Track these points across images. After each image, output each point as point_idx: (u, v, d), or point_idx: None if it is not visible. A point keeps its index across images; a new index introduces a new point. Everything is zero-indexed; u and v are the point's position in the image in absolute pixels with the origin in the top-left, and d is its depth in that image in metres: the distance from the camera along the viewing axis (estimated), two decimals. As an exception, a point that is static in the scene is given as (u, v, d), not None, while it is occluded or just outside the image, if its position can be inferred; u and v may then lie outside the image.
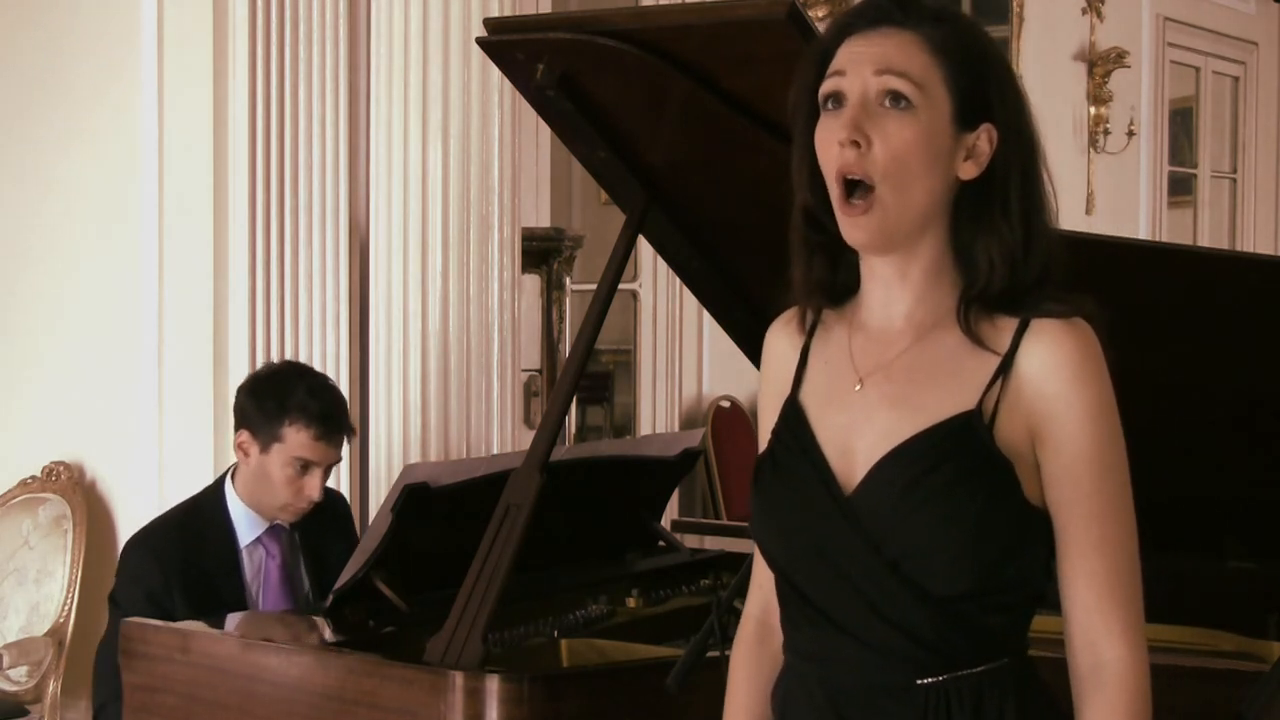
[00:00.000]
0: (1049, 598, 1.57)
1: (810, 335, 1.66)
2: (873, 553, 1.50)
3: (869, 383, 1.57)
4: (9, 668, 4.03)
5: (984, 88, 1.53)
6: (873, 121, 1.50)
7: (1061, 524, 1.52)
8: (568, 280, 5.42)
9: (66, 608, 4.14)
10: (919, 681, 1.52)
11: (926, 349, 1.56)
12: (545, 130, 3.96)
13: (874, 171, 1.49)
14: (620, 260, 2.42)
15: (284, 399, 2.87)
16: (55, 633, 4.11)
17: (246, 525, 2.94)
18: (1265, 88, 9.55)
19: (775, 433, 1.63)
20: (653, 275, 6.09)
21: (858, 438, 1.55)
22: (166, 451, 4.09)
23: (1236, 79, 9.44)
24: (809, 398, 1.62)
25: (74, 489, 4.27)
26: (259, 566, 2.95)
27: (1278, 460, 2.57)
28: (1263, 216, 9.62)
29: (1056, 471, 1.51)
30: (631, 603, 2.84)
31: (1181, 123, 8.98)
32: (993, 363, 1.52)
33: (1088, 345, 1.52)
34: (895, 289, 1.57)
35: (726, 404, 6.33)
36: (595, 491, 2.95)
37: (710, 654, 1.93)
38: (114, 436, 4.29)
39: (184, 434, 4.06)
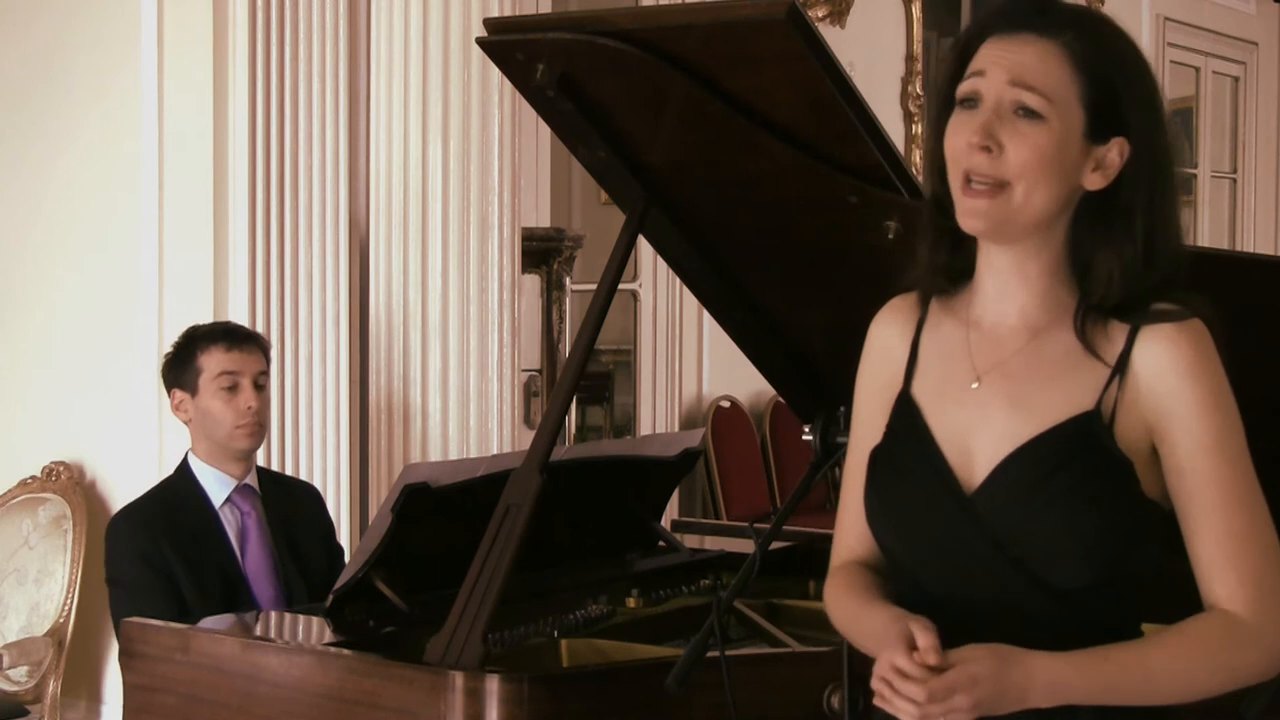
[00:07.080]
0: None
1: (920, 328, 1.66)
2: (997, 550, 1.53)
3: (986, 381, 1.58)
4: (9, 668, 4.02)
5: (1119, 101, 1.53)
6: (1005, 127, 1.51)
7: (1185, 515, 1.54)
8: (568, 280, 5.41)
9: (66, 608, 4.14)
10: None
11: (1043, 348, 1.57)
12: (545, 130, 3.96)
13: (1006, 174, 1.51)
14: (620, 260, 2.42)
15: (190, 342, 3.09)
16: (55, 633, 4.11)
17: (216, 487, 3.04)
18: (1265, 88, 9.55)
19: (890, 427, 1.64)
20: (653, 275, 6.09)
21: (977, 437, 1.57)
22: (166, 451, 4.08)
23: (1236, 79, 9.44)
24: (922, 393, 1.63)
25: (74, 489, 4.27)
26: (238, 525, 3.03)
27: (1277, 460, 2.56)
28: (1263, 216, 9.62)
29: (1176, 465, 1.54)
30: (631, 603, 2.83)
31: (1181, 123, 8.98)
32: (1106, 368, 1.54)
33: (1200, 343, 1.54)
34: (1012, 283, 1.59)
35: (726, 404, 6.33)
36: (595, 491, 2.95)
37: (710, 654, 1.92)
38: (114, 436, 4.29)
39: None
